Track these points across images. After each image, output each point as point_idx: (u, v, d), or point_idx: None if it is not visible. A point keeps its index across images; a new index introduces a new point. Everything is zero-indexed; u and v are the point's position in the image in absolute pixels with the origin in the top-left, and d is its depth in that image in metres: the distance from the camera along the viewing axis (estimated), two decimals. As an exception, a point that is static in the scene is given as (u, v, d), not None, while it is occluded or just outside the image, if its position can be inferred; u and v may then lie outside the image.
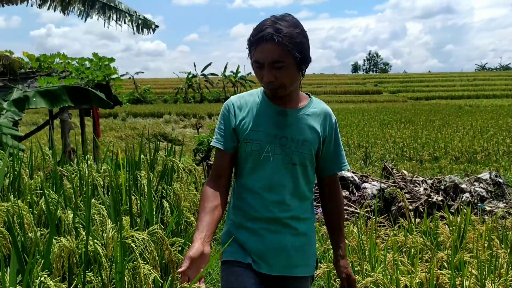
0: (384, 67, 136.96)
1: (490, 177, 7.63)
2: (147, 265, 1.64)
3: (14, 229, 2.18)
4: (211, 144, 1.84)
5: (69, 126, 7.98)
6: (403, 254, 2.81)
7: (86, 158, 3.05)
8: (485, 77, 67.72)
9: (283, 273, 1.77)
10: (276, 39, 1.55)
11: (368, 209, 5.42)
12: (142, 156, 3.27)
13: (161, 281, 1.76)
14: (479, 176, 7.84)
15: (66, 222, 1.98)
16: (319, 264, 2.68)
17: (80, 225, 2.04)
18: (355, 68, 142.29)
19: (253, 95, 1.80)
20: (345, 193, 7.19)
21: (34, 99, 7.06)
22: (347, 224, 3.21)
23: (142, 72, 55.56)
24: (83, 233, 1.82)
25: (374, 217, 3.06)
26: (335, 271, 1.85)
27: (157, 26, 9.49)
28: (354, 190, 7.30)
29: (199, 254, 1.48)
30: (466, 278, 2.24)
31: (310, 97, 1.84)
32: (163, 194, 3.00)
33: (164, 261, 2.26)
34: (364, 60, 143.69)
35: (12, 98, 7.17)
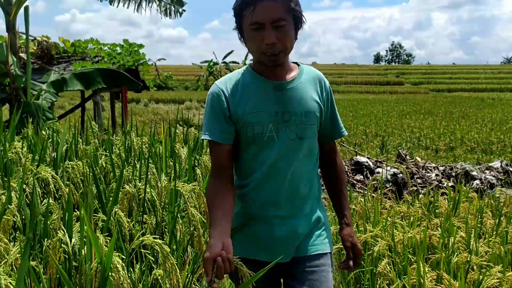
0: (407, 58, 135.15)
1: (501, 166, 7.91)
2: (193, 207, 2.09)
3: (78, 184, 2.67)
4: (202, 138, 1.63)
5: (102, 107, 8.53)
6: (404, 221, 3.21)
7: (128, 129, 3.55)
8: (511, 71, 66.42)
9: (298, 254, 1.65)
10: None
11: (374, 181, 5.77)
12: (177, 131, 3.74)
13: (204, 220, 2.21)
14: (490, 164, 8.12)
15: (126, 174, 2.46)
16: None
17: (137, 178, 2.52)
18: (377, 58, 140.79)
19: (240, 76, 1.65)
20: (359, 177, 7.57)
21: (71, 81, 7.60)
22: (356, 196, 3.62)
23: (164, 59, 56.18)
24: (139, 184, 2.28)
25: (380, 189, 3.46)
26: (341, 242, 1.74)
27: (184, 10, 9.76)
28: (368, 175, 7.67)
29: (219, 250, 1.35)
30: (454, 237, 2.64)
31: (298, 64, 1.73)
32: (195, 164, 3.46)
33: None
34: (387, 50, 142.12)
35: (50, 80, 7.73)
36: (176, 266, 1.40)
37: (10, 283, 1.27)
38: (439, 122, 17.53)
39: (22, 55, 8.01)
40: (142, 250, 1.54)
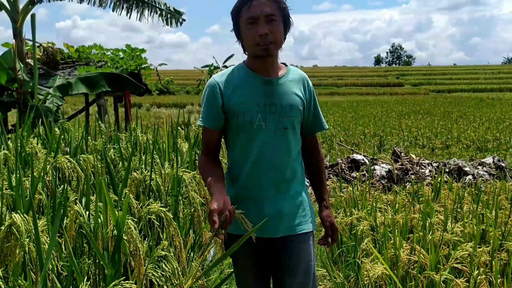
0: (407, 60, 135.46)
1: (493, 162, 8.15)
2: (193, 192, 2.36)
3: (89, 176, 2.93)
4: (198, 123, 1.92)
5: (106, 110, 8.81)
6: (389, 208, 3.47)
7: (134, 127, 3.82)
8: (510, 71, 66.64)
9: (286, 233, 1.87)
10: None
11: (362, 173, 5.98)
12: (179, 128, 4.00)
13: (203, 201, 2.47)
14: (483, 160, 8.35)
15: (133, 164, 2.73)
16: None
17: (143, 168, 2.79)
18: (378, 60, 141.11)
19: (234, 71, 1.88)
20: (355, 174, 7.82)
21: (76, 85, 7.89)
22: (346, 186, 3.88)
23: (166, 64, 56.36)
24: (145, 172, 2.55)
25: (368, 179, 3.71)
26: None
27: (184, 20, 10.05)
28: (365, 172, 7.92)
29: (222, 204, 1.56)
30: (432, 219, 2.90)
31: (286, 65, 1.96)
32: (196, 158, 3.73)
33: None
34: (387, 52, 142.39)
35: (56, 85, 8.03)
36: (178, 230, 1.66)
37: (45, 239, 1.54)
38: (437, 122, 17.77)
39: (29, 61, 8.31)
40: (151, 217, 1.80)
